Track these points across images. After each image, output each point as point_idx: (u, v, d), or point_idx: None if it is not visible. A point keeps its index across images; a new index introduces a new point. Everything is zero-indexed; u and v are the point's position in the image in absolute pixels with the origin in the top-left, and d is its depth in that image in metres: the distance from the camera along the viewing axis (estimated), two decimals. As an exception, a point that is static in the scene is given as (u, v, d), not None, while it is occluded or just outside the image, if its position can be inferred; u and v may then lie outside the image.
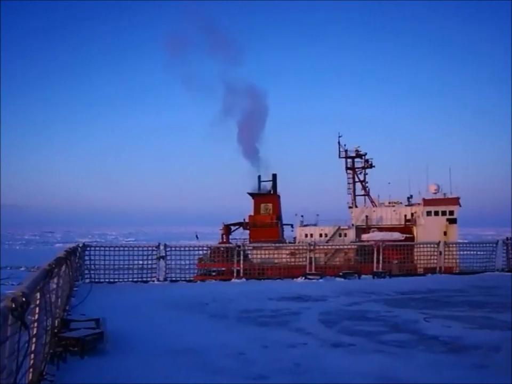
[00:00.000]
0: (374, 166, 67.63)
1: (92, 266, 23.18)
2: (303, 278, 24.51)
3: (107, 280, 23.41)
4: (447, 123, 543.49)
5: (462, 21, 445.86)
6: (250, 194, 68.35)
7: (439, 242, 28.06)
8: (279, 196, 69.27)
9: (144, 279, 23.93)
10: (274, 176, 69.68)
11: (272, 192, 68.92)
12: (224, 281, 24.59)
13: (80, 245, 22.91)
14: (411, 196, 63.88)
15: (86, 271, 22.84)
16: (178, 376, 8.58)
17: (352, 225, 63.31)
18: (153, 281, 23.89)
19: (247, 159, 76.50)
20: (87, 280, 22.07)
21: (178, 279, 24.86)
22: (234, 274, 24.97)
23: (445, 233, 57.53)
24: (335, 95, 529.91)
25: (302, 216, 65.17)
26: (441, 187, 61.79)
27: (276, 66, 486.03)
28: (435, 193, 62.03)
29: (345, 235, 61.34)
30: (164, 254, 24.47)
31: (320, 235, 61.98)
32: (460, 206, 60.60)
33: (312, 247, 26.70)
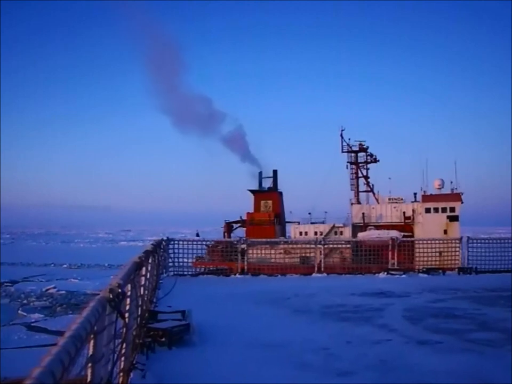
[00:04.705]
0: (378, 161, 64.42)
1: (176, 259, 23.76)
2: (385, 273, 24.15)
3: (190, 273, 23.96)
4: (449, 125, 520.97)
5: (463, 23, 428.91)
6: (251, 191, 66.45)
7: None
8: (280, 193, 66.71)
9: (226, 273, 24.32)
10: (275, 172, 67.03)
11: (272, 188, 66.51)
12: (305, 276, 24.54)
13: (165, 239, 23.51)
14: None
15: (170, 264, 23.42)
16: (264, 369, 8.68)
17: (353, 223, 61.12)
18: (235, 274, 24.23)
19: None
20: (171, 273, 22.62)
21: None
22: (315, 269, 24.89)
23: (445, 232, 54.18)
24: (337, 97, 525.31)
25: (309, 213, 62.87)
26: (451, 183, 57.82)
27: (276, 67, 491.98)
28: (439, 188, 58.53)
29: (341, 233, 58.89)
30: (244, 248, 24.81)
31: (315, 233, 59.49)
32: (462, 202, 56.54)
33: (395, 242, 26.22)
